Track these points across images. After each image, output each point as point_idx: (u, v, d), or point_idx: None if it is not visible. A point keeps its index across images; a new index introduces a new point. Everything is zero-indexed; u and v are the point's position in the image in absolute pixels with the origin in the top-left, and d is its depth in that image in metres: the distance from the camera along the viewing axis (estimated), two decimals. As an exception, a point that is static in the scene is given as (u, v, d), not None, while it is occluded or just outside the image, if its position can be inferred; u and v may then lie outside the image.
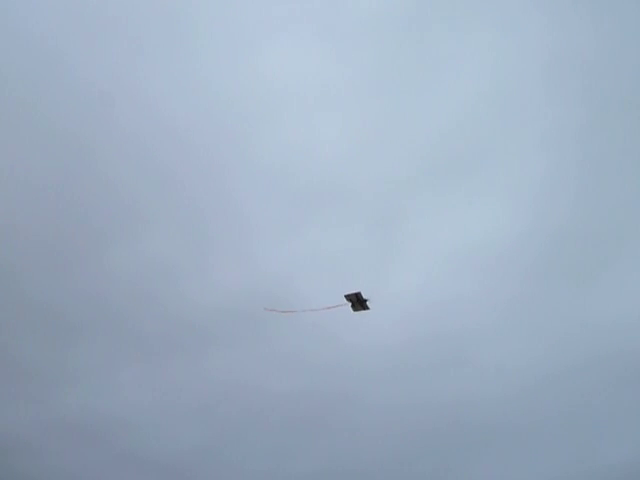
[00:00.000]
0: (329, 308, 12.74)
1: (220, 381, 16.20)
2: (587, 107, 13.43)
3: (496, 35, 12.95)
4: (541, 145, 13.67)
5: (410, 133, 13.86)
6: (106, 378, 16.86)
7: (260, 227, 14.62)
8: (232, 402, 16.76)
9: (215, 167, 13.72)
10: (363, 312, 12.76)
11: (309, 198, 14.28)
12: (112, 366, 16.91)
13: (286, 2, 12.44)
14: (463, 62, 13.30)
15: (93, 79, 12.57)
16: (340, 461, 17.85)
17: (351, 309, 12.74)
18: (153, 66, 12.82)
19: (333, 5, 12.57)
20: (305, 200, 14.45)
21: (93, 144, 13.31)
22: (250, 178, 14.09)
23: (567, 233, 14.78)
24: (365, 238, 14.91)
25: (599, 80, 13.28)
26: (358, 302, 12.62)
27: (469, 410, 16.48)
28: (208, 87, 13.03)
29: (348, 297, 12.56)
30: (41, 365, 16.25)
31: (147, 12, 12.29)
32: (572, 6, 12.65)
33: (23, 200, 13.93)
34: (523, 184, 14.39)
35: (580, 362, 15.64)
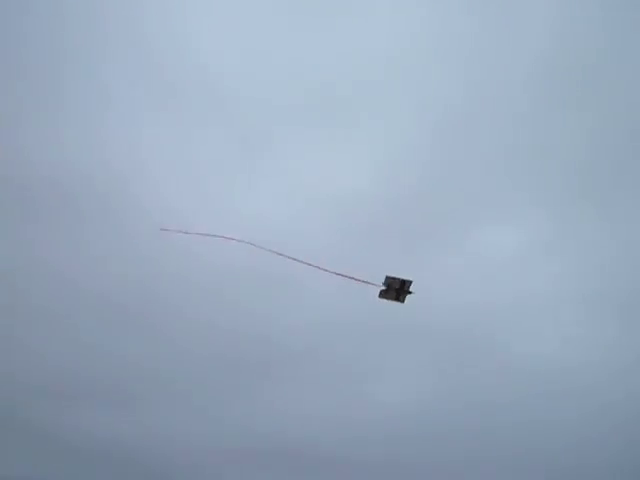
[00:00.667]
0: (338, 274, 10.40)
1: (34, 256, 15.58)
2: (462, 86, 14.51)
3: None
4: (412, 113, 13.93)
5: (298, 65, 14.00)
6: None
7: (120, 106, 14.58)
8: (40, 282, 16.13)
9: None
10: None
11: (182, 91, 14.23)
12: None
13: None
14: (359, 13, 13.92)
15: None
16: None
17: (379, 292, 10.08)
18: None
19: None
20: (177, 93, 14.42)
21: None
22: (123, 61, 14.34)
23: (414, 198, 15.75)
24: (226, 147, 14.79)
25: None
26: (396, 289, 10.07)
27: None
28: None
29: (389, 280, 10.01)
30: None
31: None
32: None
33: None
34: (388, 145, 14.52)
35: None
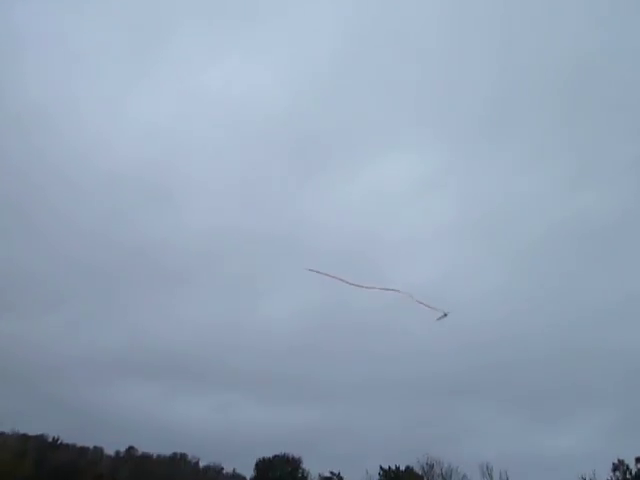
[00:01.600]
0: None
1: None
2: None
3: None
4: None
5: None
6: None
7: None
8: None
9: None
10: None
11: None
12: None
13: None
14: None
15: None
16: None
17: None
18: None
19: None
20: None
21: None
22: None
23: (314, 127, 17.08)
24: (124, 42, 15.07)
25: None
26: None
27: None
28: None
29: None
30: None
31: None
32: None
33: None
34: (290, 61, 15.28)
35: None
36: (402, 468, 60.49)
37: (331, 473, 67.95)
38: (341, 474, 67.38)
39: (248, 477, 69.42)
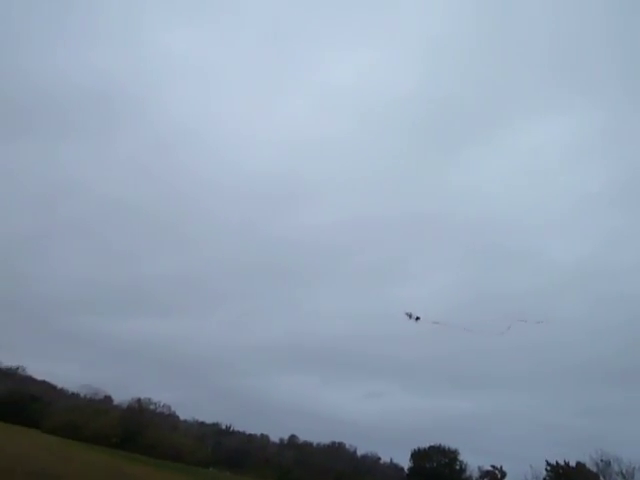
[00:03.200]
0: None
1: (70, 176, 16.30)
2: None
3: None
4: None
5: None
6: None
7: (149, 9, 14.62)
8: (78, 202, 17.00)
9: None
10: None
11: None
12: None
13: None
14: None
15: None
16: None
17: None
18: None
19: None
20: None
21: None
22: None
23: (452, 99, 15.08)
24: (256, 54, 14.55)
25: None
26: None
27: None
28: None
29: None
30: None
31: None
32: None
33: None
34: (419, 36, 13.26)
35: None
36: (572, 464, 55.13)
37: (492, 467, 64.74)
38: (503, 468, 63.83)
39: (405, 467, 69.37)
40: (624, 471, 50.22)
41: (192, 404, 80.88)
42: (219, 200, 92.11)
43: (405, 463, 68.02)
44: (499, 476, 64.41)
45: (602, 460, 51.21)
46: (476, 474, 64.69)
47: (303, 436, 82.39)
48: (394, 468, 76.40)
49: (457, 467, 63.40)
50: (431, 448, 64.89)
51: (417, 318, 16.75)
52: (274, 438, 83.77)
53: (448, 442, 64.35)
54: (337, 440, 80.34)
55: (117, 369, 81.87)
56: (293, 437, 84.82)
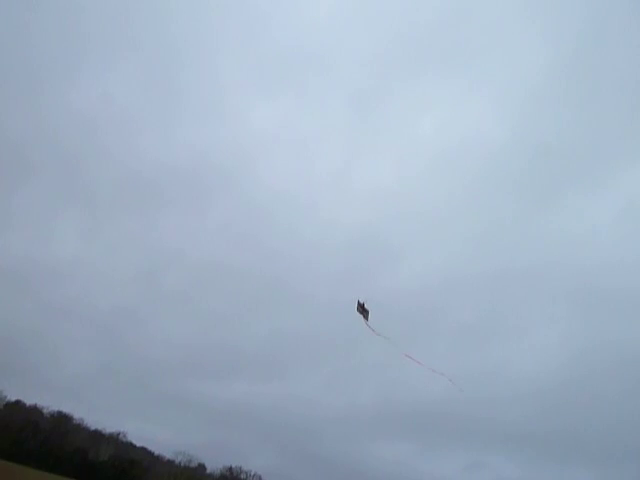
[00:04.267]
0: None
1: (169, 247, 15.75)
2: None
3: None
4: (539, 50, 11.41)
5: (404, 10, 12.03)
6: (46, 225, 17.66)
7: (233, 87, 13.96)
8: (177, 270, 16.17)
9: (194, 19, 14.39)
10: None
11: (287, 63, 13.49)
12: (54, 212, 17.75)
13: None
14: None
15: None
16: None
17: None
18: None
19: None
20: (283, 65, 13.73)
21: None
22: (227, 36, 13.90)
23: (549, 147, 12.95)
24: (341, 115, 13.13)
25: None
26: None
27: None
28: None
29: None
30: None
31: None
32: None
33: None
34: (514, 88, 11.39)
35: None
36: None
37: None
38: None
39: None
40: None
41: (284, 473, 77.86)
42: (315, 258, 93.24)
43: None
44: None
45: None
46: None
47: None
48: None
49: None
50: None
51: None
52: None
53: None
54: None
55: (212, 433, 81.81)
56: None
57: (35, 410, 76.22)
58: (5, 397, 75.13)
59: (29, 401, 76.53)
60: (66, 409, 76.67)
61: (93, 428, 78.18)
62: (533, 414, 69.60)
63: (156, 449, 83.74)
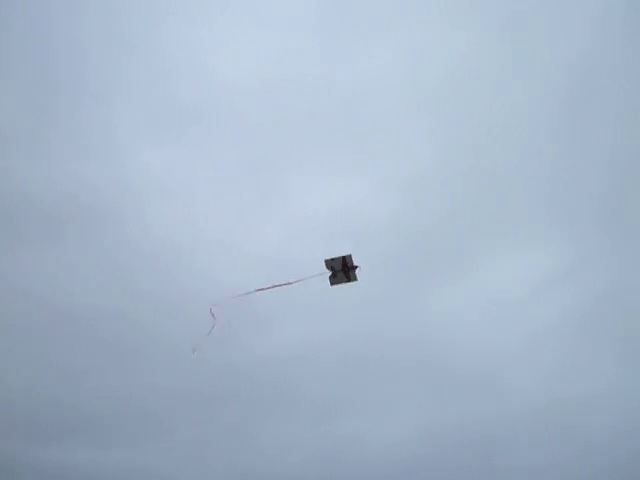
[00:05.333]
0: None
1: (14, 284, 15.07)
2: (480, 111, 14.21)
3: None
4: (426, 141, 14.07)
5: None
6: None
7: (126, 128, 14.71)
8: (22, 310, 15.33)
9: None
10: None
11: (186, 115, 14.47)
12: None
13: None
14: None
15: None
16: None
17: (329, 280, 9.56)
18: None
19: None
20: (182, 116, 14.80)
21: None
22: (129, 79, 14.34)
23: (430, 230, 15.22)
24: (234, 174, 14.77)
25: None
26: (343, 270, 9.44)
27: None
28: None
29: (330, 263, 9.43)
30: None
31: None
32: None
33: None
34: (400, 171, 14.29)
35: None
36: None
37: None
38: None
39: None
40: None
41: None
42: (192, 309, 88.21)
43: None
44: None
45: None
46: None
47: None
48: None
49: None
50: None
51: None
52: None
53: None
54: None
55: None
56: None
57: None
58: None
59: None
60: None
61: None
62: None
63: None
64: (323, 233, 14.30)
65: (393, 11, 13.54)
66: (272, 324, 15.51)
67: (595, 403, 15.81)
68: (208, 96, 14.64)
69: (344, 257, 9.48)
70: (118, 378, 15.81)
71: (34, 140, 14.54)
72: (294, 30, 13.83)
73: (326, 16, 13.82)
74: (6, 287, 14.76)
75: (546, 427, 16.00)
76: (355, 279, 9.61)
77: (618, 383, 15.78)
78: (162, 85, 15.04)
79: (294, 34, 13.76)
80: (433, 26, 13.76)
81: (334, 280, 9.65)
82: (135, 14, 13.69)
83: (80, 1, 13.48)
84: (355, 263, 9.50)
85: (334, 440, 16.91)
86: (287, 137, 14.56)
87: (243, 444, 16.84)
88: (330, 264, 9.53)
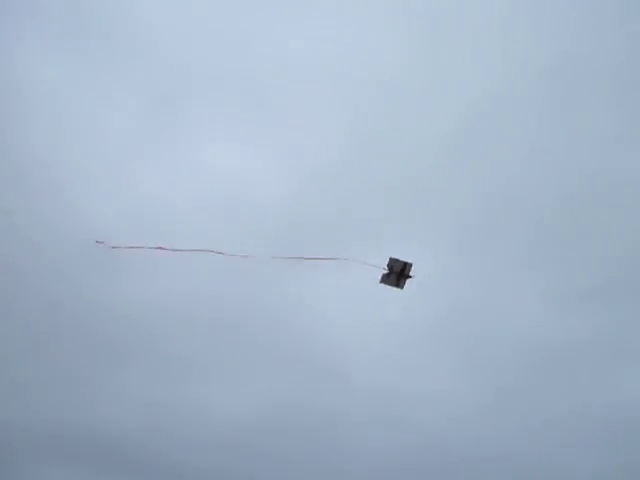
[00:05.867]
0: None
1: None
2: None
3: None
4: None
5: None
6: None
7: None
8: None
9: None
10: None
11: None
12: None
13: None
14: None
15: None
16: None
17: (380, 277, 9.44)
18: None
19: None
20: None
21: None
22: None
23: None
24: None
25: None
26: (398, 274, 9.34)
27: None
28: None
29: (392, 262, 9.27)
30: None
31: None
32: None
33: None
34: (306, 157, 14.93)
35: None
36: None
37: None
38: None
39: None
40: None
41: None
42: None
43: None
44: None
45: None
46: None
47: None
48: None
49: None
50: None
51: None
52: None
53: None
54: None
55: None
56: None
57: None
58: None
59: None
60: None
61: None
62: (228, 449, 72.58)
63: None
64: (210, 191, 13.94)
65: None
66: (135, 276, 14.92)
67: (426, 400, 17.38)
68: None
69: (405, 263, 9.42)
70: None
71: None
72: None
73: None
74: None
75: (379, 416, 17.36)
76: (402, 287, 9.61)
77: (450, 387, 17.49)
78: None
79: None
80: (363, 19, 13.82)
81: (385, 279, 9.59)
82: None
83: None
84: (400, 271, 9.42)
85: (178, 401, 16.72)
86: (199, 86, 13.93)
87: (76, 393, 16.02)
88: (391, 263, 9.41)
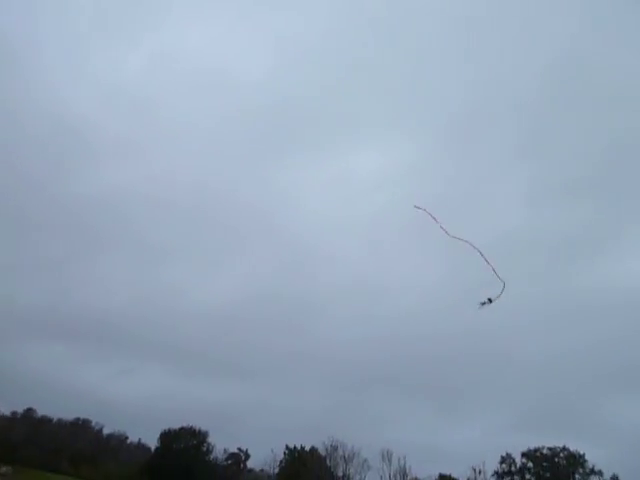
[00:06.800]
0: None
1: None
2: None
3: None
4: None
5: None
6: None
7: None
8: None
9: None
10: None
11: None
12: None
13: None
14: None
15: None
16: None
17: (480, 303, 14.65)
18: None
19: None
20: None
21: None
22: None
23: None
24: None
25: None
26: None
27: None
28: None
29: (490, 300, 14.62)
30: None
31: None
32: None
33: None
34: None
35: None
36: (307, 448, 61.72)
37: (238, 450, 68.21)
38: (248, 451, 67.83)
39: (152, 447, 68.09)
40: (346, 455, 58.76)
41: None
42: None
43: (154, 444, 66.74)
44: (243, 457, 68.22)
45: (331, 445, 59.01)
46: (222, 455, 67.28)
47: (44, 410, 74.18)
48: (142, 448, 74.32)
49: (205, 449, 64.89)
50: (181, 429, 65.04)
51: (489, 301, 14.42)
52: (5, 410, 73.52)
53: (202, 425, 65.37)
54: (83, 417, 74.58)
55: None
56: (29, 410, 75.67)
57: None
58: None
59: None
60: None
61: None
62: (205, 335, 77.46)
63: None
64: (191, 75, 13.08)
65: None
66: (116, 161, 14.40)
67: (396, 285, 18.59)
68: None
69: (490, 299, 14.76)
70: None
71: None
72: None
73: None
74: None
75: (354, 292, 18.49)
76: (490, 302, 14.75)
77: (416, 273, 18.62)
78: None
79: None
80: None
81: (484, 303, 14.72)
82: None
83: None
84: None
85: (156, 285, 17.22)
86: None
87: (57, 277, 16.14)
88: (489, 299, 14.70)
